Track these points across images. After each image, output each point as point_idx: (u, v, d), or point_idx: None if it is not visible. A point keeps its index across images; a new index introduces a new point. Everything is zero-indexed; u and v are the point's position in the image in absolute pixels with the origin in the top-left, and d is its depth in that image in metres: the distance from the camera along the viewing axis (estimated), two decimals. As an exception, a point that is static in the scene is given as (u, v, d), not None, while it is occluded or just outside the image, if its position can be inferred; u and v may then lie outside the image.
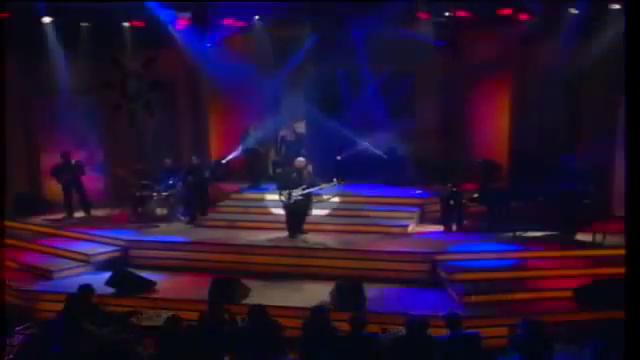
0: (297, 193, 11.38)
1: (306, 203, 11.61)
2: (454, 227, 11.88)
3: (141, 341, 7.04)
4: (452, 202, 11.85)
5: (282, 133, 15.24)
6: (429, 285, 10.02)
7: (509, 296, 9.40)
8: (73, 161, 13.71)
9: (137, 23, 14.12)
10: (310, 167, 11.77)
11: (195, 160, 13.49)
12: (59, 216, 13.73)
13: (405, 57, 13.71)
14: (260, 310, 7.41)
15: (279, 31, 14.30)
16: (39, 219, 13.65)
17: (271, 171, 15.31)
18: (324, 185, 11.56)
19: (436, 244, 11.07)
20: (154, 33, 13.95)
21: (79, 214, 13.79)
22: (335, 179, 11.53)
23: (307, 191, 11.43)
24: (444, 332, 7.11)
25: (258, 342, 7.12)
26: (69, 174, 13.57)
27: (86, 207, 13.81)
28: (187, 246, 11.59)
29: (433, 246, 10.93)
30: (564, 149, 13.38)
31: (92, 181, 14.26)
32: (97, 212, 14.00)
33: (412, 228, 12.07)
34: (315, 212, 12.04)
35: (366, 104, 15.02)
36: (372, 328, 7.50)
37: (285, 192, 11.49)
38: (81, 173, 13.77)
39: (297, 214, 11.61)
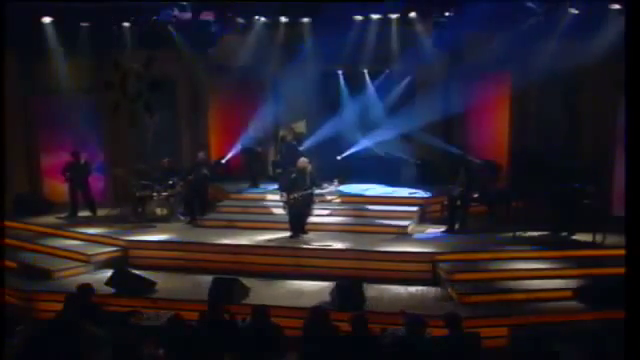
0: (297, 194, 11.38)
1: (307, 203, 11.60)
2: (457, 227, 11.87)
3: (141, 341, 7.03)
4: (459, 202, 11.85)
5: (282, 133, 15.24)
6: (429, 285, 10.02)
7: (509, 296, 9.39)
8: (82, 160, 13.74)
9: (137, 23, 14.10)
10: (311, 167, 11.76)
11: (202, 156, 13.48)
12: (63, 215, 13.72)
13: (405, 57, 13.70)
14: (264, 311, 7.42)
15: (279, 31, 14.30)
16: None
17: (271, 171, 15.31)
18: (325, 185, 11.56)
19: (436, 244, 11.06)
20: (154, 33, 13.95)
21: (83, 213, 13.77)
22: (336, 180, 11.54)
23: (307, 192, 11.43)
24: (444, 332, 7.12)
25: (258, 342, 7.12)
26: (78, 173, 13.59)
27: (92, 207, 13.82)
28: (187, 246, 11.59)
29: (433, 246, 10.92)
30: (564, 149, 13.38)
31: (92, 181, 14.24)
32: (97, 212, 13.94)
33: (412, 228, 12.06)
34: (315, 212, 12.03)
35: (366, 104, 15.04)
36: (372, 328, 7.49)
37: (285, 193, 11.50)
38: (88, 173, 13.80)
39: (298, 214, 11.61)
